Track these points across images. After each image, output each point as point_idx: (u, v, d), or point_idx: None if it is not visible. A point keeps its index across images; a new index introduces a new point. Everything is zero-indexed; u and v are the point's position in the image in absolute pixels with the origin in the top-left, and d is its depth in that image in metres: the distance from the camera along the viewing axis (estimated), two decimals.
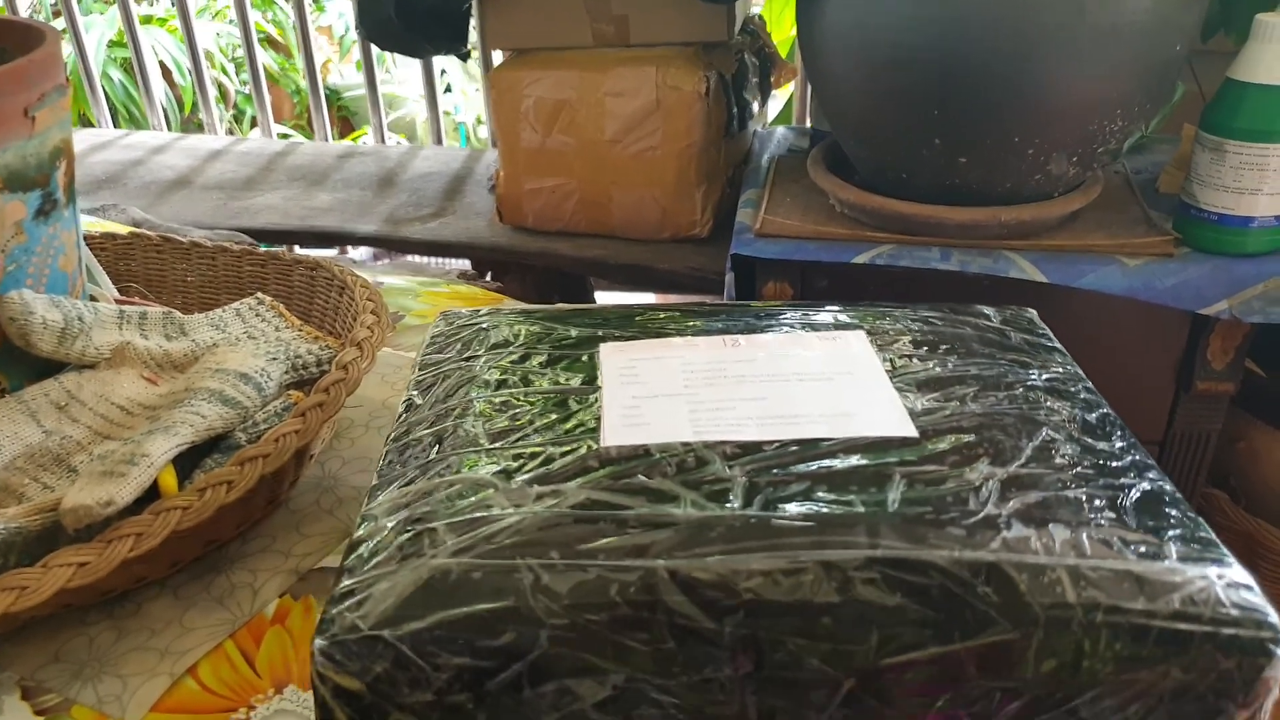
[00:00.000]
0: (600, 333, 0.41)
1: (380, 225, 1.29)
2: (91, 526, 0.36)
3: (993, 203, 0.91)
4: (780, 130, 1.32)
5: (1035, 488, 0.32)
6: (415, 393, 0.39)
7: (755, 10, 1.46)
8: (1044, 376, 0.40)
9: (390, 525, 0.31)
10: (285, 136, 2.83)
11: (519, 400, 0.37)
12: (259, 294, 0.52)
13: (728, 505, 0.31)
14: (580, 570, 0.28)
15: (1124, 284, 0.90)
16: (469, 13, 1.21)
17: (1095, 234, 0.94)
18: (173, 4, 2.98)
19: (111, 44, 2.73)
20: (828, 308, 0.44)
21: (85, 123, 2.22)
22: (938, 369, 0.39)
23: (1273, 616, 0.29)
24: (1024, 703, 0.29)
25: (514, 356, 0.40)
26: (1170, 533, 0.31)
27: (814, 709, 0.29)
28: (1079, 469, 0.34)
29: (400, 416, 0.38)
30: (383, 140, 1.69)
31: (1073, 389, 0.39)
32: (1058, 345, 0.43)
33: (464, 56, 1.26)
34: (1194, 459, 1.04)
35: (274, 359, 0.46)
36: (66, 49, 2.59)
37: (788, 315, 0.43)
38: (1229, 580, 0.30)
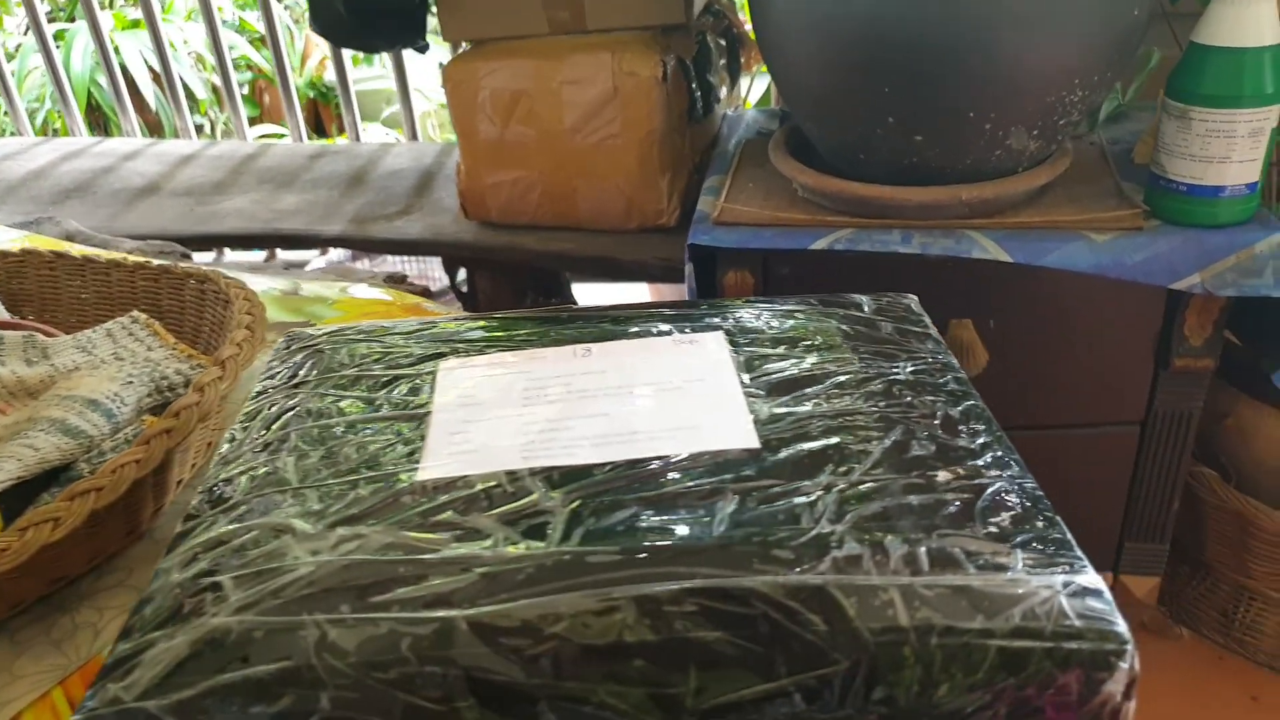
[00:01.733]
0: (446, 348, 0.39)
1: (346, 226, 1.28)
2: None
3: (954, 181, 0.88)
4: (750, 113, 1.29)
5: (877, 497, 0.30)
6: (238, 427, 0.36)
7: None
8: (909, 369, 0.38)
9: (179, 580, 0.29)
10: (280, 136, 2.82)
11: (337, 431, 0.34)
12: (134, 312, 0.50)
13: (543, 541, 0.29)
14: (371, 624, 0.26)
15: (1091, 260, 0.86)
16: (424, 5, 1.18)
17: (1064, 209, 0.90)
18: (179, 7, 2.98)
19: None
20: (693, 307, 0.41)
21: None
22: (795, 368, 0.37)
23: (1119, 626, 0.27)
24: None
25: (344, 381, 0.37)
26: (1020, 537, 0.29)
27: None
28: (929, 471, 0.32)
29: (219, 455, 0.35)
30: (357, 137, 1.67)
31: (940, 380, 0.37)
32: (932, 333, 0.41)
33: (421, 49, 1.23)
34: (1177, 438, 1.01)
35: (130, 382, 0.44)
36: (37, 59, 2.59)
37: (649, 318, 0.41)
38: (1076, 587, 0.28)
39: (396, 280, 0.77)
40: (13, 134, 1.90)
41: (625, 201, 1.16)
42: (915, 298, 0.44)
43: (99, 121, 2.80)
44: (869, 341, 0.39)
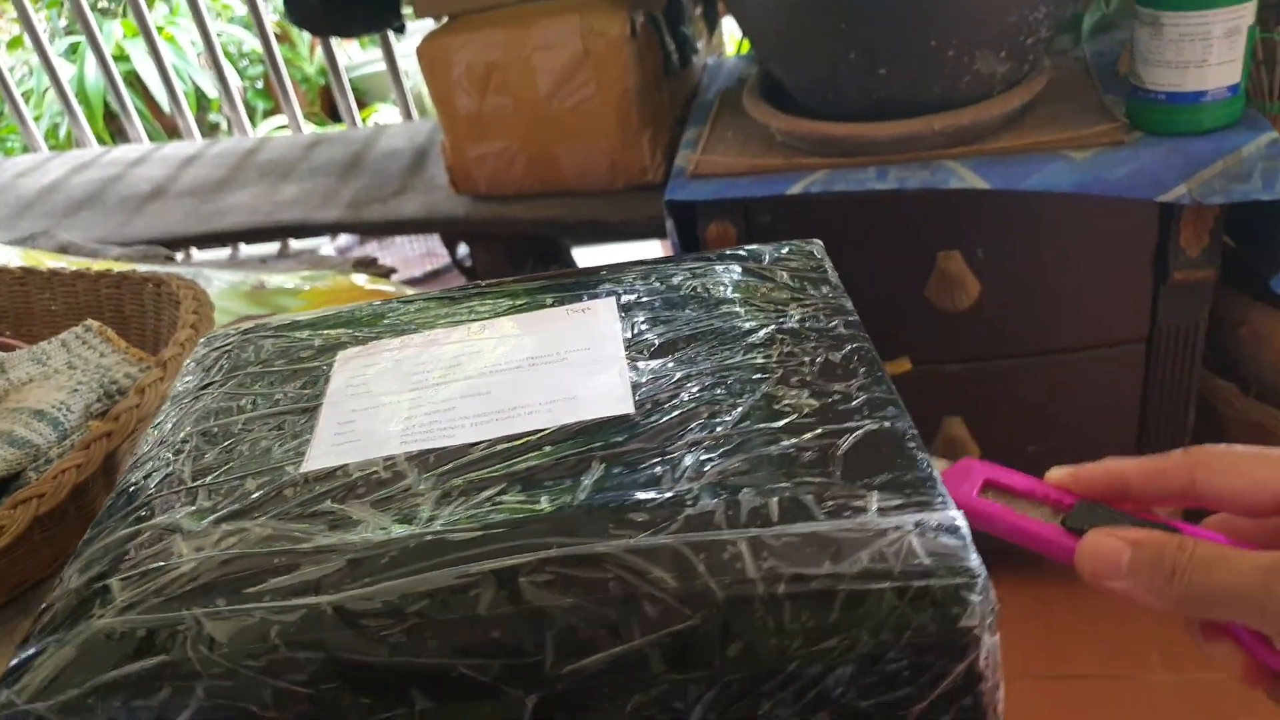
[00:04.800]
0: (345, 338, 0.40)
1: (342, 211, 1.29)
2: None
3: (927, 111, 0.86)
4: (730, 60, 1.27)
5: (739, 451, 0.30)
6: (153, 429, 0.37)
7: None
8: (797, 317, 0.37)
9: (75, 586, 0.30)
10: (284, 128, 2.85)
11: (235, 429, 0.35)
12: (87, 321, 0.53)
13: (411, 524, 0.29)
14: (244, 615, 0.27)
15: (1073, 180, 0.84)
16: None
17: (1042, 130, 0.88)
18: (171, 9, 3.01)
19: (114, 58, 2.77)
20: (592, 274, 0.42)
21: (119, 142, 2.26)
22: (678, 329, 0.37)
23: (971, 561, 0.27)
24: (717, 693, 0.27)
25: (246, 379, 0.38)
26: (880, 478, 0.29)
27: None
28: (796, 418, 0.32)
29: (131, 460, 0.36)
30: (354, 122, 1.69)
31: (827, 325, 0.37)
32: (830, 278, 0.41)
33: (399, 30, 1.24)
34: (1185, 351, 0.98)
35: (77, 390, 0.46)
36: (71, 69, 2.64)
37: (546, 289, 0.41)
38: (930, 525, 0.27)
39: (366, 264, 0.78)
40: (25, 150, 1.95)
41: (609, 162, 1.15)
42: (820, 243, 0.43)
43: (120, 129, 2.85)
44: (758, 294, 0.39)
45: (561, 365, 0.35)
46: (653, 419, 0.32)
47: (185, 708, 0.26)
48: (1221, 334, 1.06)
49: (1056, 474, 0.31)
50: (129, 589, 0.29)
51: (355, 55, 3.18)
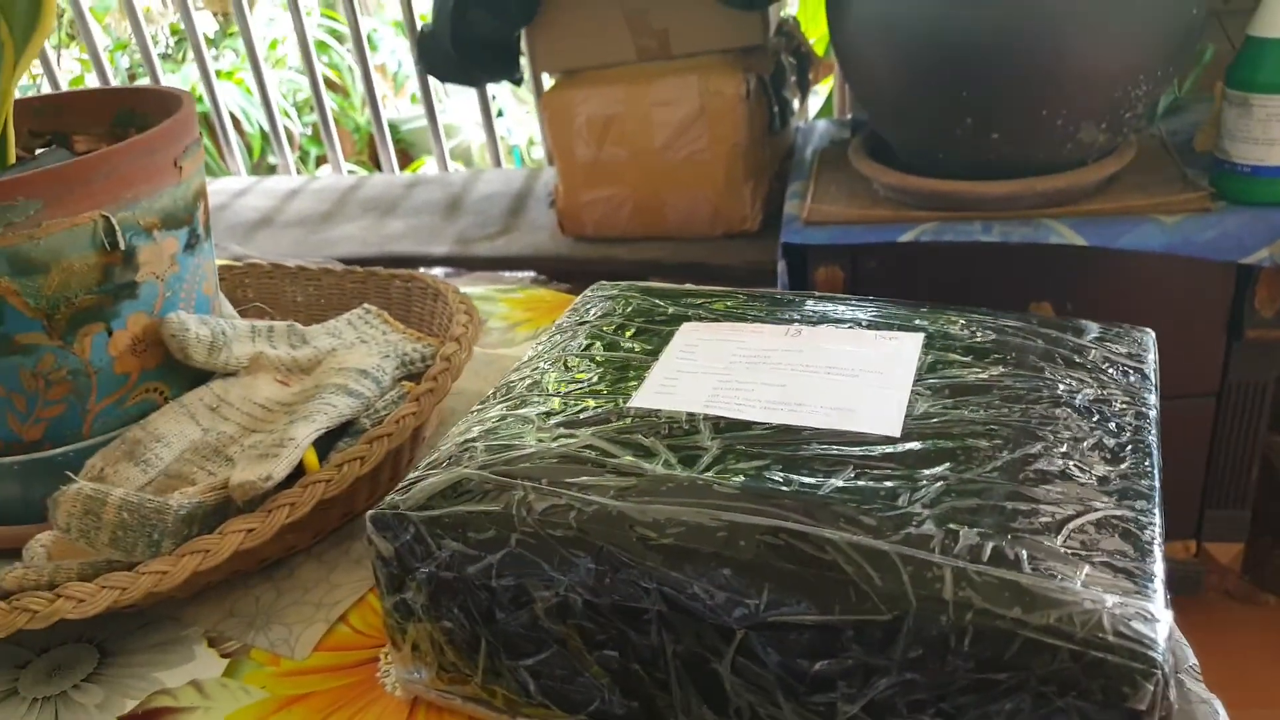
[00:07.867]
0: (690, 312, 0.47)
1: (451, 246, 1.38)
2: (254, 500, 0.43)
3: (1028, 174, 0.95)
4: (821, 124, 1.37)
5: (977, 497, 0.33)
6: (539, 345, 0.47)
7: (789, 12, 1.52)
8: (1089, 396, 0.38)
9: (456, 441, 0.40)
10: (351, 173, 2.97)
11: (594, 361, 0.44)
12: (366, 305, 0.60)
13: (691, 468, 0.36)
14: (556, 495, 0.35)
15: (1163, 241, 0.93)
16: (519, 41, 1.29)
17: (1133, 196, 0.97)
18: (239, 57, 3.16)
19: None
20: (914, 307, 0.46)
21: None
22: (971, 376, 0.40)
23: (1156, 653, 0.27)
24: (893, 684, 0.30)
25: (613, 325, 0.47)
26: (1099, 557, 0.30)
27: (714, 654, 0.32)
28: (1044, 486, 0.33)
29: (521, 360, 0.46)
30: (445, 168, 1.79)
31: (1118, 410, 0.38)
32: (1145, 370, 0.40)
33: (517, 81, 1.34)
34: (1253, 408, 1.06)
35: (386, 357, 0.54)
36: None
37: (866, 311, 0.46)
38: (1127, 609, 0.29)
39: (541, 283, 0.86)
40: None
41: (711, 210, 1.25)
42: (1151, 334, 0.44)
43: None
44: (1064, 365, 0.41)
45: (852, 380, 0.41)
46: (911, 446, 0.36)
47: (500, 549, 0.35)
48: None
49: None
50: (488, 453, 0.38)
51: (404, 110, 3.33)
